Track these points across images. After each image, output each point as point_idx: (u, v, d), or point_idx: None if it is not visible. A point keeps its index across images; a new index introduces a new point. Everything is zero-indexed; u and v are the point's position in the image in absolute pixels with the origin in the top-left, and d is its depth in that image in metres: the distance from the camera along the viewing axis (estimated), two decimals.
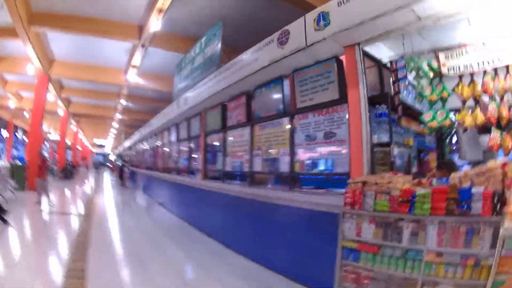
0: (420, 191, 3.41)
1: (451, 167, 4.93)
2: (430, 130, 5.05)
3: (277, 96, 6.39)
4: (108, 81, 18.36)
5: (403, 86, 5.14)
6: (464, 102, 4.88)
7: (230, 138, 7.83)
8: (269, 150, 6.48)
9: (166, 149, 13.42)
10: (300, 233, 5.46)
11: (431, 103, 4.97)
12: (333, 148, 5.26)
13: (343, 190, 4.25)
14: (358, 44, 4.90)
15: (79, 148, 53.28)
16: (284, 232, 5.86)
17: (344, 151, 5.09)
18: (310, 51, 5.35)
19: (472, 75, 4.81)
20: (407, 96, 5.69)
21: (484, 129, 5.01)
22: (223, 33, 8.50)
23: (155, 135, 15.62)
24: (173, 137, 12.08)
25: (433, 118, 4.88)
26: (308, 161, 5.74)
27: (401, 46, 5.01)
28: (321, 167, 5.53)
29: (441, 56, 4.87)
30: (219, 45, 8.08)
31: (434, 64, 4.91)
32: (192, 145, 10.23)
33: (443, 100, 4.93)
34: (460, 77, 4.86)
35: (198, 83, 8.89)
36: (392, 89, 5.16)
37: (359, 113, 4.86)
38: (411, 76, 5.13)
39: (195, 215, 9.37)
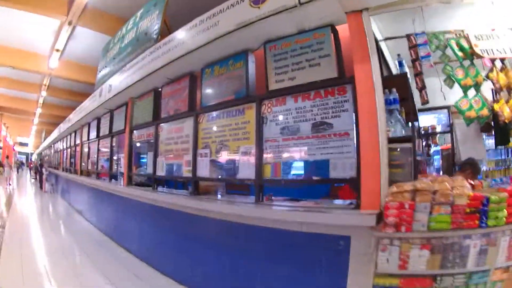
0: (493, 196, 2.12)
1: (476, 168, 3.31)
2: (467, 121, 2.99)
3: (237, 76, 3.69)
4: (29, 68, 12.80)
5: (427, 65, 3.04)
6: (499, 90, 2.95)
7: (164, 134, 4.80)
8: (222, 149, 3.70)
9: (85, 148, 9.42)
10: (269, 267, 3.02)
11: (465, 88, 2.99)
12: (329, 145, 2.88)
13: (349, 203, 2.78)
14: (367, 9, 2.78)
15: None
16: (243, 262, 3.31)
17: (347, 148, 2.78)
18: (299, 13, 2.95)
19: (502, 60, 2.95)
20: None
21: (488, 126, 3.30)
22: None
23: (74, 132, 11.25)
24: (93, 134, 8.31)
25: (471, 107, 2.87)
26: (285, 163, 3.20)
27: (399, 27, 3.26)
28: (309, 171, 3.02)
29: (471, 36, 2.91)
30: (160, 16, 5.01)
31: (464, 44, 2.95)
32: (114, 143, 6.80)
33: (477, 86, 2.94)
34: (493, 61, 2.93)
35: (126, 65, 5.67)
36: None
37: (373, 97, 2.63)
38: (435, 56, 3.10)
39: (120, 230, 6.00)
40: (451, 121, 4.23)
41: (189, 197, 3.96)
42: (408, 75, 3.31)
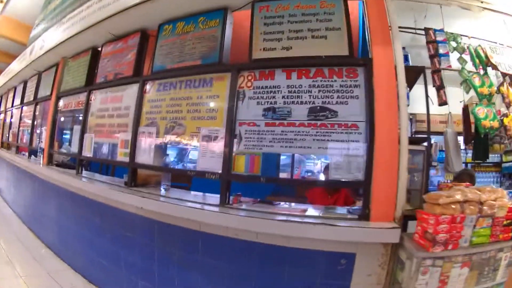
0: None
1: (474, 179, 2.60)
2: (482, 130, 2.09)
3: (209, 37, 2.24)
4: None
5: (445, 64, 2.05)
6: (508, 105, 2.15)
7: (97, 103, 2.99)
8: (175, 129, 2.21)
9: (8, 117, 6.54)
10: None
11: (482, 97, 2.05)
12: (331, 137, 1.80)
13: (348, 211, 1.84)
14: None
15: None
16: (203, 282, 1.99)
17: (354, 144, 1.77)
18: None
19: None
20: None
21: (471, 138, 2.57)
22: None
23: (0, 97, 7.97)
24: (18, 100, 5.65)
25: (486, 116, 1.98)
26: (267, 156, 2.06)
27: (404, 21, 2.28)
28: (300, 168, 1.80)
29: (486, 47, 2.19)
30: None
31: (481, 52, 2.08)
32: (38, 112, 4.52)
33: (490, 97, 2.09)
34: (504, 76, 2.16)
35: (65, 17, 3.62)
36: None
37: (394, 86, 1.77)
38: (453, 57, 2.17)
39: (39, 220, 3.80)
40: (413, 130, 3.52)
41: (124, 190, 2.36)
42: None
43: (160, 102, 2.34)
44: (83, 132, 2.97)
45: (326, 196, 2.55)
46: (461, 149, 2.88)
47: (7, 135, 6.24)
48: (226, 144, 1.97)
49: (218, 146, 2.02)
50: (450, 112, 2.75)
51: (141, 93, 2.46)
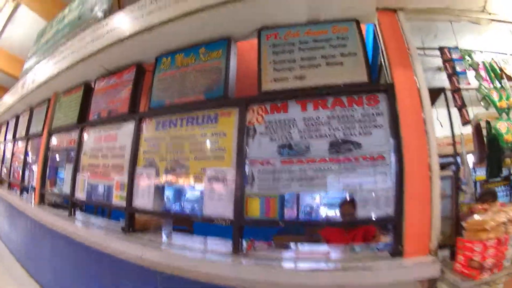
0: None
1: (496, 196, 2.34)
2: (504, 145, 1.81)
3: (212, 69, 1.93)
4: None
5: (464, 83, 1.79)
6: None
7: (90, 142, 2.60)
8: (177, 170, 1.84)
9: (1, 151, 5.99)
10: None
11: (501, 111, 1.79)
12: (357, 172, 1.51)
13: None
14: (402, 10, 1.75)
15: None
16: None
17: (381, 177, 1.48)
18: None
19: None
20: None
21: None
22: None
23: None
24: (10, 134, 5.16)
25: (508, 130, 1.72)
26: (284, 197, 1.65)
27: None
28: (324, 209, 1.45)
29: (499, 59, 1.96)
30: None
31: (495, 65, 1.84)
32: (30, 148, 4.06)
33: (509, 110, 1.84)
34: None
35: (57, 50, 3.23)
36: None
37: (420, 111, 1.42)
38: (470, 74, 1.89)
39: (32, 259, 3.26)
40: None
41: (121, 236, 1.98)
42: None
43: (159, 141, 2.00)
44: (75, 172, 2.58)
45: (342, 233, 2.17)
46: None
47: (0, 169, 5.68)
48: (237, 186, 1.65)
49: (227, 188, 1.68)
50: (462, 133, 2.50)
51: (138, 131, 2.12)
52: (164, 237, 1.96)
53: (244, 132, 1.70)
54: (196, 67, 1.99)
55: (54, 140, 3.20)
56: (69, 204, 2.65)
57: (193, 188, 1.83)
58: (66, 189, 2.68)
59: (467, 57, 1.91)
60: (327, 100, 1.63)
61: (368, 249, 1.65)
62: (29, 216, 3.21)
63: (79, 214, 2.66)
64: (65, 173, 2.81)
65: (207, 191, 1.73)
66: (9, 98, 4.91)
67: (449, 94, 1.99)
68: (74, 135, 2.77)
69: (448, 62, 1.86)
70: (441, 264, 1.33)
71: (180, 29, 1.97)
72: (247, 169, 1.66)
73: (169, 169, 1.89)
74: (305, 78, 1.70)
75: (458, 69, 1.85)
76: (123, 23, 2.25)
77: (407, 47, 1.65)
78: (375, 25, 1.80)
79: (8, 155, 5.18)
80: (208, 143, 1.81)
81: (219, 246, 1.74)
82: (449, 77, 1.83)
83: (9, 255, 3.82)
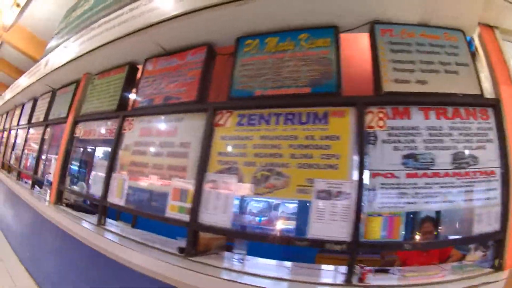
0: None
1: None
2: None
3: (317, 59, 1.37)
4: None
5: None
6: None
7: (135, 134, 1.87)
8: (271, 179, 1.24)
9: (13, 136, 4.65)
10: None
11: None
12: (474, 187, 1.15)
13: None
14: (497, 28, 1.38)
15: None
16: None
17: (493, 193, 1.15)
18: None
19: None
20: None
21: None
22: None
23: (6, 114, 5.82)
24: (25, 119, 4.10)
25: None
26: (409, 215, 1.13)
27: None
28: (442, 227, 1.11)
29: None
30: None
31: None
32: (47, 135, 3.19)
33: None
34: None
35: (95, 23, 2.40)
36: None
37: None
38: None
39: (44, 270, 2.26)
40: None
41: (182, 262, 1.30)
42: None
43: (244, 140, 1.40)
44: (110, 170, 1.88)
45: (421, 254, 1.77)
46: None
47: (10, 156, 4.43)
48: (356, 202, 1.14)
49: (342, 205, 1.17)
50: None
51: (211, 126, 1.50)
52: (236, 263, 1.30)
53: (363, 137, 1.22)
54: (297, 55, 1.45)
55: (81, 129, 2.46)
56: (98, 209, 1.90)
57: (292, 203, 1.26)
58: (96, 191, 1.98)
59: None
60: (447, 110, 1.31)
61: (458, 268, 1.24)
62: (42, 216, 2.36)
63: (110, 223, 1.91)
64: (95, 170, 2.12)
65: (315, 208, 1.18)
66: (27, 79, 4.07)
67: None
68: (112, 124, 2.07)
69: None
70: None
71: (275, 9, 1.42)
72: (368, 181, 1.17)
73: (259, 178, 1.29)
74: (427, 83, 1.34)
75: None
76: None
77: (507, 63, 1.39)
78: (471, 39, 1.48)
79: (20, 141, 4.12)
80: (315, 148, 1.25)
81: (322, 273, 1.24)
82: None
83: (13, 254, 2.80)
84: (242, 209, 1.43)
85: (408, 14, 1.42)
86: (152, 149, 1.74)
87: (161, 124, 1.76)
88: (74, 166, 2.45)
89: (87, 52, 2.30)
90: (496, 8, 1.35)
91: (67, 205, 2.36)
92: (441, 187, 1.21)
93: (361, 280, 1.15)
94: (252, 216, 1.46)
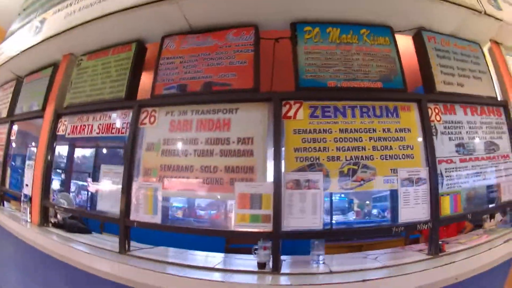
0: None
1: None
2: None
3: (383, 56, 1.42)
4: None
5: None
6: None
7: (163, 130, 1.44)
8: (360, 172, 1.22)
9: None
10: None
11: None
12: (499, 167, 1.58)
13: None
14: (501, 44, 1.83)
15: None
16: None
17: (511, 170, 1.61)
18: (469, 18, 1.56)
19: None
20: None
21: None
22: None
23: None
24: None
25: None
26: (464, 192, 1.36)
27: None
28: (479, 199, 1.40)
29: None
30: None
31: None
32: (15, 135, 2.16)
33: None
34: None
35: None
36: None
37: None
38: None
39: None
40: None
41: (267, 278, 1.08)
42: None
43: (323, 134, 1.29)
44: (129, 177, 1.42)
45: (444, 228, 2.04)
46: None
47: None
48: (431, 186, 1.33)
49: (422, 189, 1.31)
50: None
51: (278, 117, 1.31)
52: (321, 266, 1.18)
53: (429, 129, 1.37)
54: (363, 49, 1.47)
55: (66, 125, 1.79)
56: (120, 232, 1.42)
57: (379, 194, 1.26)
58: (103, 206, 1.46)
59: None
60: (477, 108, 1.65)
61: (490, 231, 1.57)
62: (26, 244, 1.62)
63: (136, 247, 1.44)
64: (97, 178, 1.55)
65: (402, 194, 1.25)
66: None
67: None
68: (120, 117, 1.58)
69: None
70: None
71: None
72: (436, 168, 1.33)
73: (345, 172, 1.24)
74: (463, 86, 1.63)
75: None
76: None
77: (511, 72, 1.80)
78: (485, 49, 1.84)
79: None
80: (393, 140, 1.30)
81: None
82: None
83: None
84: (331, 207, 1.35)
85: (446, 25, 1.64)
86: (193, 148, 1.39)
87: (204, 116, 1.41)
88: (60, 175, 1.77)
89: (74, 27, 1.66)
90: (506, 30, 1.70)
91: (55, 225, 1.73)
92: (481, 168, 1.53)
93: (441, 250, 1.32)
94: (340, 213, 1.41)
